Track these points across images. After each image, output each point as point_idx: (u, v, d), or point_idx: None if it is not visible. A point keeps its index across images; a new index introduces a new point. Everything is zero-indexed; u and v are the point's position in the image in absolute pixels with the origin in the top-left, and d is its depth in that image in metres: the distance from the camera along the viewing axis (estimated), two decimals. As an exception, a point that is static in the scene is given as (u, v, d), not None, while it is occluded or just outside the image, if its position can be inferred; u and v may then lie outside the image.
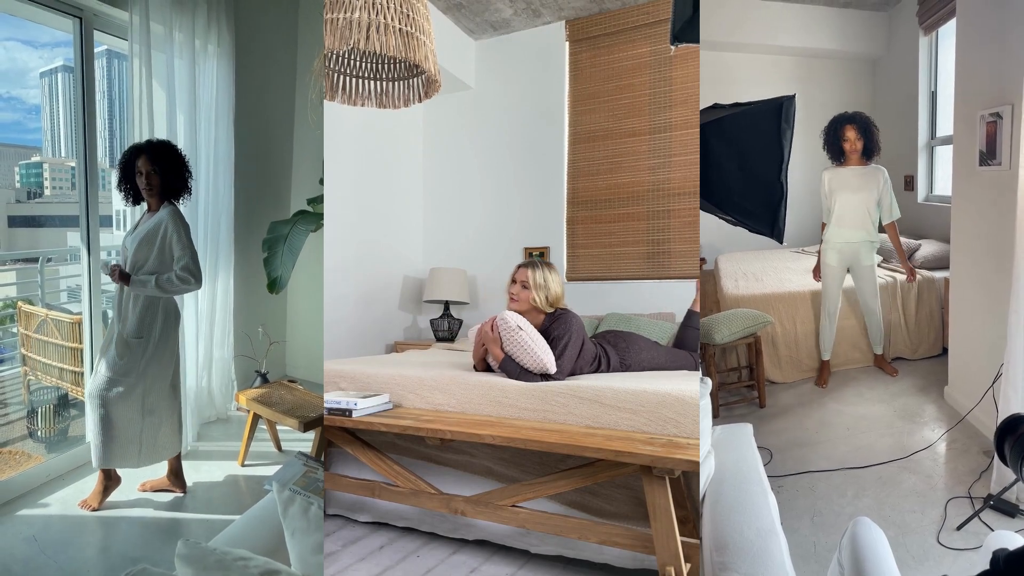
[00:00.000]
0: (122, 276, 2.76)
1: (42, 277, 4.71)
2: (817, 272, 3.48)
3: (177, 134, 3.46)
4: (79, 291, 3.62)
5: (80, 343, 3.50)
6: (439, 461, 2.27)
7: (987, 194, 2.85)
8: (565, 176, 4.33)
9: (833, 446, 2.86)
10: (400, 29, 1.79)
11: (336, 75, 2.14)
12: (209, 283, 3.72)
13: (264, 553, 1.22)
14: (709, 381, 2.09)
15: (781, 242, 2.32)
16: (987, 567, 0.92)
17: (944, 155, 4.32)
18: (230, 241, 3.86)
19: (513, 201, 4.46)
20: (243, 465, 3.30)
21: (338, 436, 2.32)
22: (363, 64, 2.19)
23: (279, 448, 3.50)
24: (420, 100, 2.18)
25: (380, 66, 2.19)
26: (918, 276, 3.68)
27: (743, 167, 2.34)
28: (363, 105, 2.19)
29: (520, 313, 2.62)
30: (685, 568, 1.68)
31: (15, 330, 4.42)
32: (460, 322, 4.34)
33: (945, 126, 4.30)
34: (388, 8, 1.77)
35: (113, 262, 3.02)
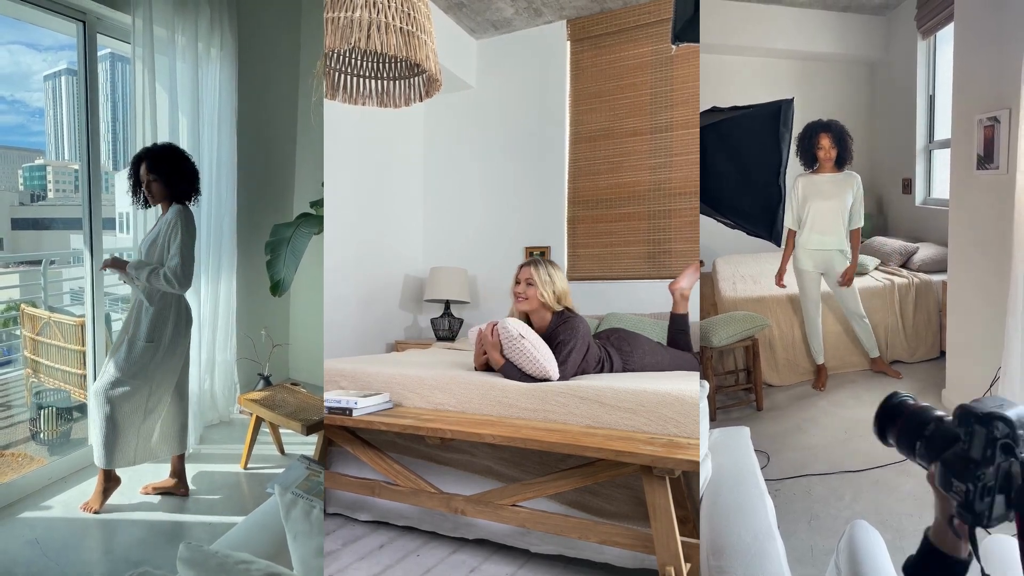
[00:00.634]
0: (116, 263, 2.81)
1: (45, 279, 4.72)
2: (780, 278, 3.46)
3: (180, 137, 3.47)
4: (82, 294, 3.64)
5: (83, 346, 3.52)
6: (439, 460, 2.28)
7: (985, 197, 2.86)
8: (566, 175, 4.33)
9: (830, 449, 2.86)
10: (401, 28, 1.79)
11: (337, 74, 2.14)
12: (211, 286, 3.74)
13: (266, 556, 1.23)
14: (706, 384, 2.10)
15: (779, 244, 2.33)
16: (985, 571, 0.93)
17: (942, 158, 4.33)
18: (233, 244, 3.87)
19: (514, 200, 4.47)
20: (245, 468, 3.31)
21: (338, 435, 2.32)
22: (364, 63, 2.19)
23: (282, 451, 3.51)
24: (421, 99, 2.18)
25: (381, 65, 2.19)
26: (914, 278, 3.69)
27: (741, 170, 2.35)
28: (364, 104, 2.19)
29: (528, 312, 2.61)
30: (685, 568, 1.68)
31: (18, 332, 4.44)
32: (461, 321, 4.35)
33: (943, 129, 4.31)
34: (389, 7, 1.77)
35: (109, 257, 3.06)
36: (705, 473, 1.75)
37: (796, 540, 2.26)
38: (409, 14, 1.82)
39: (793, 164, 3.39)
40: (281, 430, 3.51)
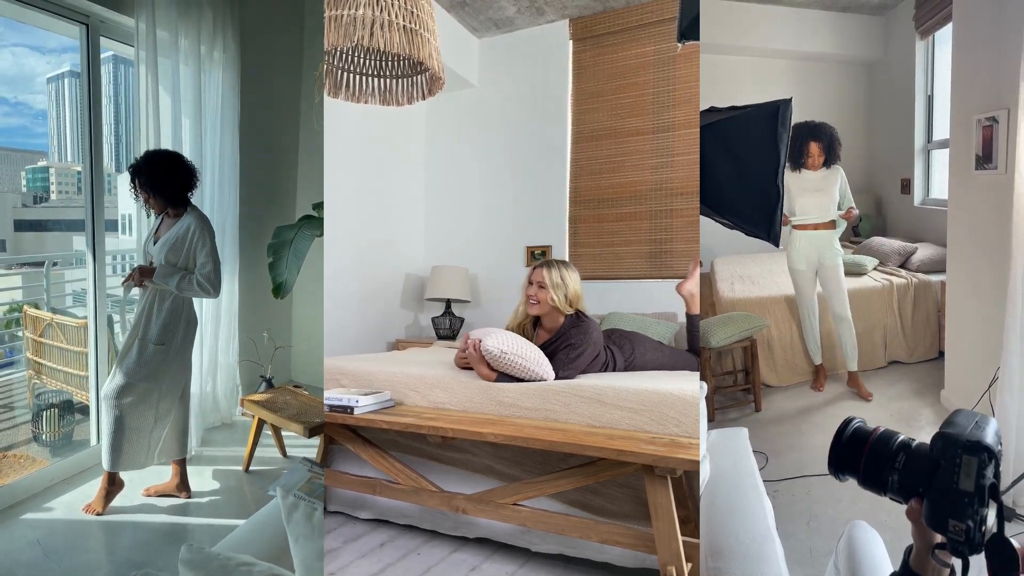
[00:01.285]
0: (143, 272, 2.81)
1: (48, 281, 4.74)
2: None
3: (183, 140, 3.49)
4: (84, 295, 3.65)
5: (85, 347, 3.53)
6: (440, 459, 2.28)
7: (983, 198, 2.86)
8: (567, 175, 4.33)
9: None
10: (404, 26, 1.79)
11: (340, 72, 2.15)
12: (214, 288, 3.76)
13: (268, 558, 1.24)
14: (705, 385, 2.11)
15: (777, 245, 2.33)
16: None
17: (940, 159, 4.34)
18: (235, 246, 3.88)
19: (515, 199, 4.47)
20: (247, 470, 3.32)
21: (339, 433, 2.32)
22: (367, 61, 2.19)
23: (284, 453, 3.51)
24: (423, 97, 2.18)
25: (384, 63, 2.19)
26: (913, 278, 3.68)
27: (739, 170, 2.35)
28: (367, 102, 2.18)
29: (540, 316, 2.58)
30: (686, 568, 1.68)
31: (20, 334, 4.46)
32: (461, 320, 4.36)
33: (941, 130, 4.32)
34: (392, 5, 1.77)
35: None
36: (703, 474, 1.76)
37: (795, 541, 2.27)
38: (412, 12, 1.82)
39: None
40: (283, 432, 3.51)
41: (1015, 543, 0.74)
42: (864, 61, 5.10)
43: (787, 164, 3.34)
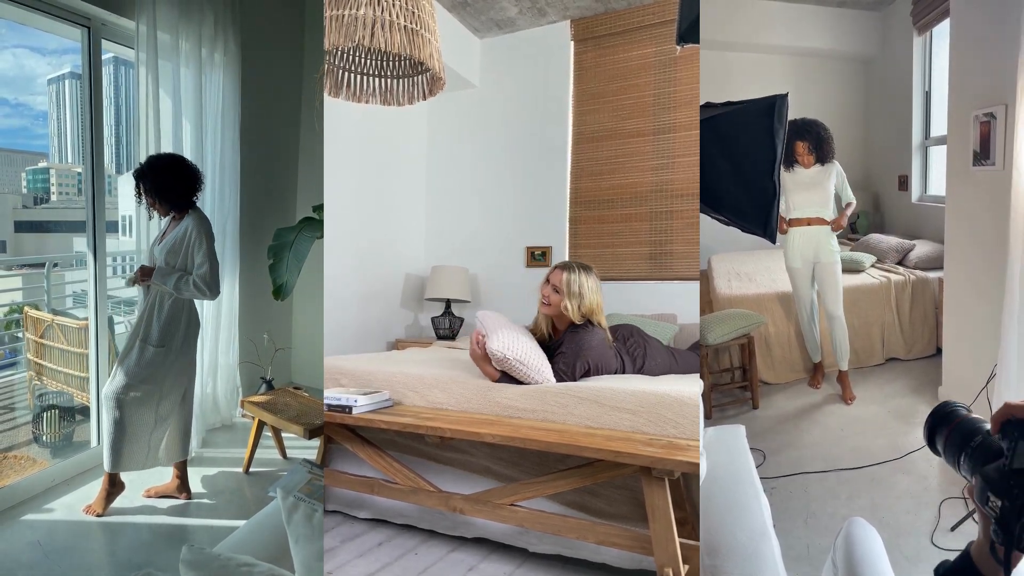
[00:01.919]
0: (145, 272, 2.81)
1: (48, 282, 4.75)
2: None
3: (183, 142, 3.50)
4: (85, 296, 3.66)
5: (86, 348, 3.54)
6: (438, 459, 2.28)
7: (981, 194, 2.86)
8: (568, 175, 4.33)
9: (827, 447, 2.86)
10: (405, 26, 1.79)
11: (341, 71, 2.14)
12: (214, 290, 3.77)
13: (268, 559, 1.24)
14: (701, 382, 2.11)
15: (774, 242, 2.33)
16: None
17: (938, 155, 4.34)
18: (236, 248, 3.89)
19: (516, 200, 4.47)
20: (247, 472, 3.33)
21: (338, 433, 2.32)
22: (368, 61, 2.19)
23: (284, 455, 3.52)
24: (424, 98, 2.17)
25: (385, 63, 2.19)
26: (910, 275, 3.68)
27: (735, 166, 2.34)
28: (367, 102, 2.18)
29: (551, 318, 2.53)
30: (683, 570, 1.67)
31: (21, 335, 4.47)
32: (461, 320, 4.36)
33: (939, 126, 4.32)
34: (393, 5, 1.77)
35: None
36: (700, 472, 1.76)
37: (793, 538, 2.27)
38: (413, 12, 1.81)
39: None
40: (283, 434, 3.52)
41: None
42: (862, 57, 5.09)
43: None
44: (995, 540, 0.79)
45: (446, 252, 4.65)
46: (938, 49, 4.34)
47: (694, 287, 3.76)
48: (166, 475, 3.04)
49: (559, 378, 2.35)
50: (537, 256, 4.35)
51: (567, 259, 4.07)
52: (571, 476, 1.90)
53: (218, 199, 3.74)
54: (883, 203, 5.03)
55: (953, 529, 2.26)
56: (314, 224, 3.73)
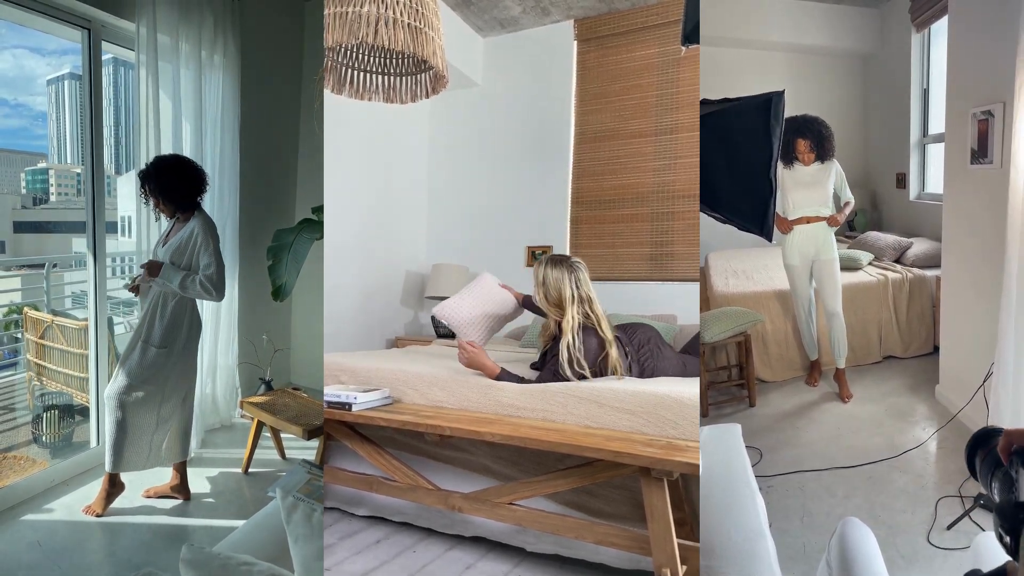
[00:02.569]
0: (152, 268, 2.81)
1: (48, 283, 4.75)
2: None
3: (183, 143, 3.50)
4: (84, 297, 3.67)
5: (85, 349, 3.54)
6: (437, 457, 2.28)
7: (979, 192, 2.86)
8: (570, 175, 4.33)
9: (823, 445, 2.86)
10: (408, 24, 1.79)
11: (344, 68, 2.15)
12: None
13: (267, 559, 1.25)
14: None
15: (770, 240, 2.32)
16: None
17: (936, 153, 4.34)
18: (235, 249, 3.89)
19: (517, 199, 4.47)
20: (247, 472, 3.34)
21: (337, 430, 2.32)
22: (371, 58, 2.19)
23: (283, 455, 3.53)
24: (427, 96, 2.18)
25: (388, 61, 2.20)
26: (908, 273, 3.67)
27: (731, 164, 2.34)
28: (370, 99, 2.19)
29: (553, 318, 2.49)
30: (681, 570, 1.67)
31: (21, 336, 4.47)
32: (461, 320, 4.36)
33: (937, 123, 4.32)
34: (397, 2, 1.77)
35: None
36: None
37: (789, 537, 2.27)
38: (417, 10, 1.81)
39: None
40: (282, 434, 3.53)
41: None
42: (860, 54, 5.09)
43: (779, 159, 3.32)
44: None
45: (447, 250, 4.66)
46: (936, 46, 4.34)
47: (694, 288, 3.76)
48: (166, 475, 3.04)
49: (553, 377, 2.35)
50: (538, 256, 4.36)
51: (556, 255, 4.06)
52: (570, 476, 1.90)
53: (218, 200, 3.74)
54: (881, 201, 5.03)
55: (949, 528, 2.26)
56: (313, 225, 3.73)
